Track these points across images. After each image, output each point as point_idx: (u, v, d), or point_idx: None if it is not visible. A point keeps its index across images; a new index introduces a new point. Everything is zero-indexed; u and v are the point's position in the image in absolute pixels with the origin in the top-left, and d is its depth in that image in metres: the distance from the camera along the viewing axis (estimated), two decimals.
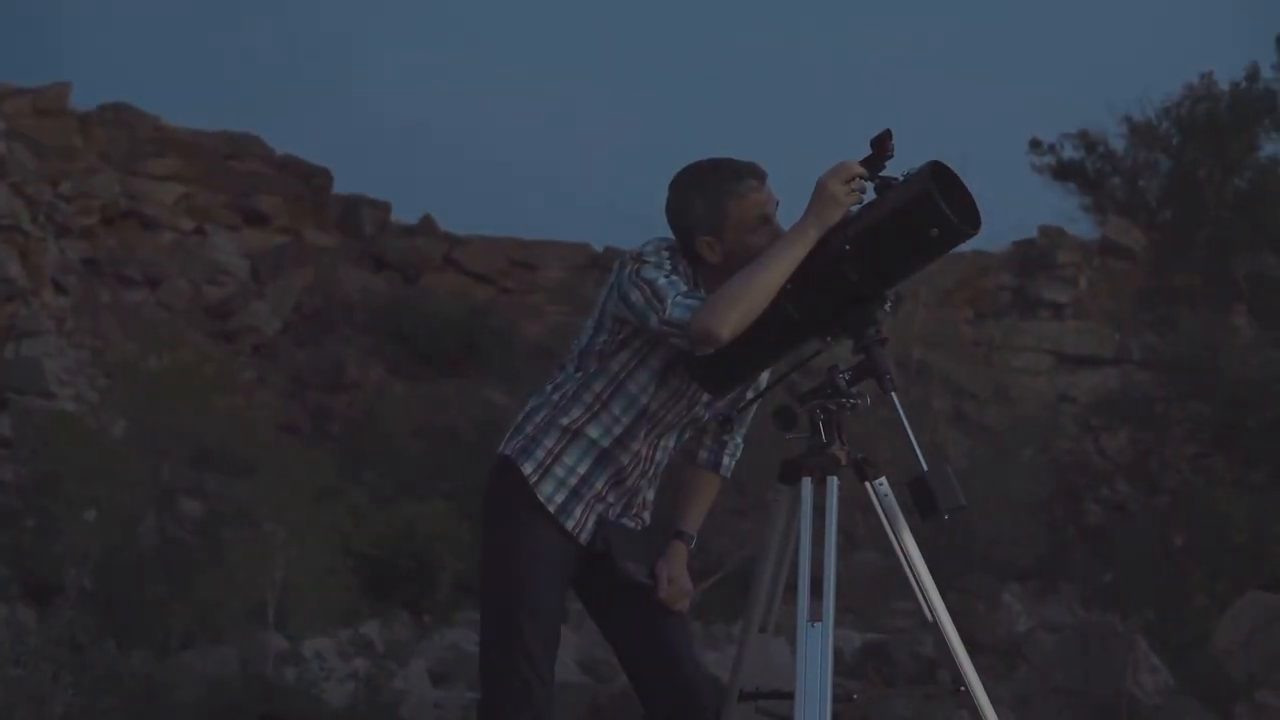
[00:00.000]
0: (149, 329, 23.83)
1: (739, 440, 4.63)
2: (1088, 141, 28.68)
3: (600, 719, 13.16)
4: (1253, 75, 26.12)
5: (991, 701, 11.31)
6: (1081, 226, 29.91)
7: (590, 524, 4.45)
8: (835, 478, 4.13)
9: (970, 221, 4.04)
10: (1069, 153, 28.81)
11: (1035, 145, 28.70)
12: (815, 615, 3.99)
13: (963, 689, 4.15)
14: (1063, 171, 28.80)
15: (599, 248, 28.66)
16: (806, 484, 4.12)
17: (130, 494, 17.76)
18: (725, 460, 4.62)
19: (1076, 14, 64.21)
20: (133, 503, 17.84)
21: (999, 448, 22.87)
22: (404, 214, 29.28)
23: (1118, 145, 28.45)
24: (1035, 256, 29.19)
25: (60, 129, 26.65)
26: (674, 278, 4.28)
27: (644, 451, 4.45)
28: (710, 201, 4.34)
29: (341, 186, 29.02)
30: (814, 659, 3.92)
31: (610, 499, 4.47)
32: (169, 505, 18.91)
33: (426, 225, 28.98)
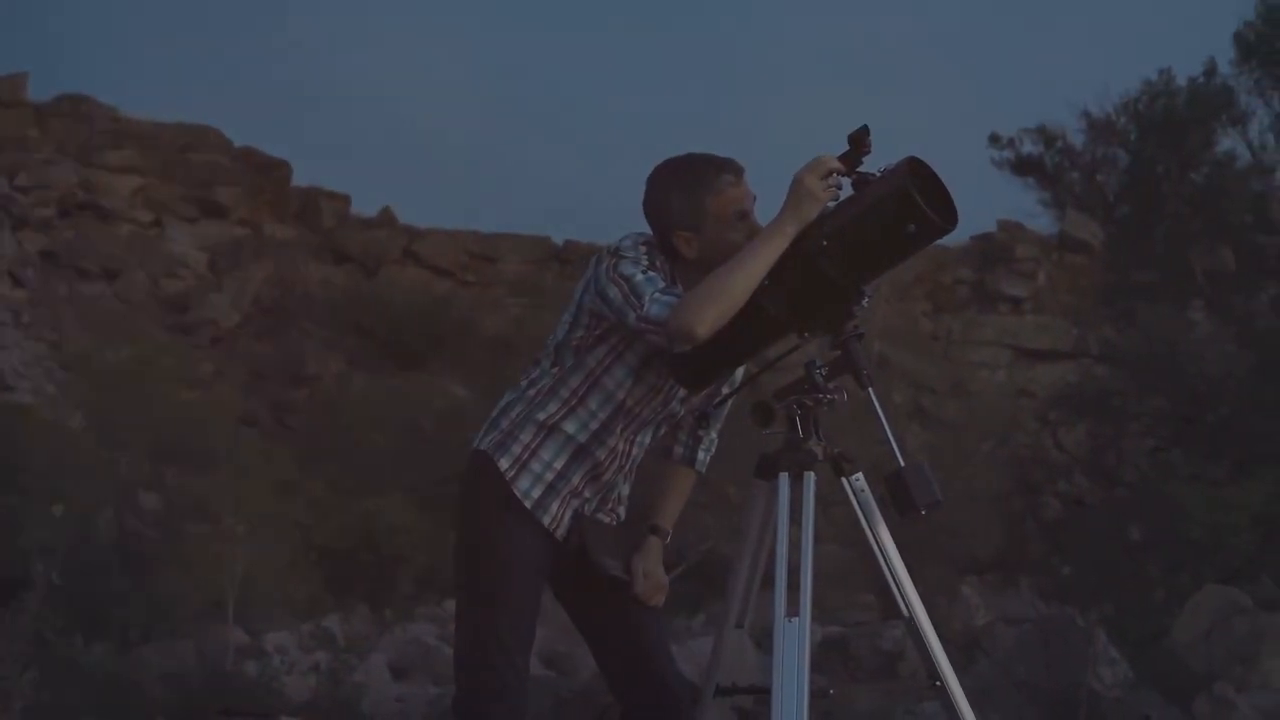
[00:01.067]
0: (106, 322, 23.72)
1: (714, 436, 4.63)
2: (1046, 136, 28.76)
3: (563, 713, 13.14)
4: (1211, 71, 26.20)
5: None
6: (1040, 221, 30.05)
7: (567, 519, 4.44)
8: (812, 473, 4.12)
9: (947, 217, 4.03)
10: (1028, 147, 28.89)
11: (994, 140, 28.77)
12: (792, 610, 3.98)
13: (938, 683, 4.15)
14: (1022, 166, 28.87)
15: (559, 241, 28.67)
16: (783, 479, 4.12)
17: (89, 487, 17.67)
18: (700, 455, 4.62)
19: (1036, 9, 64.44)
20: (91, 496, 17.74)
21: (957, 441, 22.95)
22: (363, 206, 29.25)
23: (1076, 140, 28.56)
24: (994, 251, 29.31)
25: (16, 120, 26.51)
26: (651, 274, 4.26)
27: (620, 447, 4.44)
28: (688, 197, 4.32)
29: (301, 179, 28.96)
30: (791, 654, 3.91)
31: (586, 494, 4.46)
32: (128, 499, 18.81)
33: (386, 218, 28.92)
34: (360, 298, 26.37)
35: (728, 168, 4.36)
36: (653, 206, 4.39)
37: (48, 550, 12.93)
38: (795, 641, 3.92)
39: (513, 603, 4.37)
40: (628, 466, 4.50)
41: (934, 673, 4.14)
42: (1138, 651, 14.15)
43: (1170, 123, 26.29)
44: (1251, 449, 20.77)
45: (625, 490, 4.56)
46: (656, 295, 4.21)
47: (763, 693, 3.98)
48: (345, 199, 28.89)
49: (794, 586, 4.05)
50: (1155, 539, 19.07)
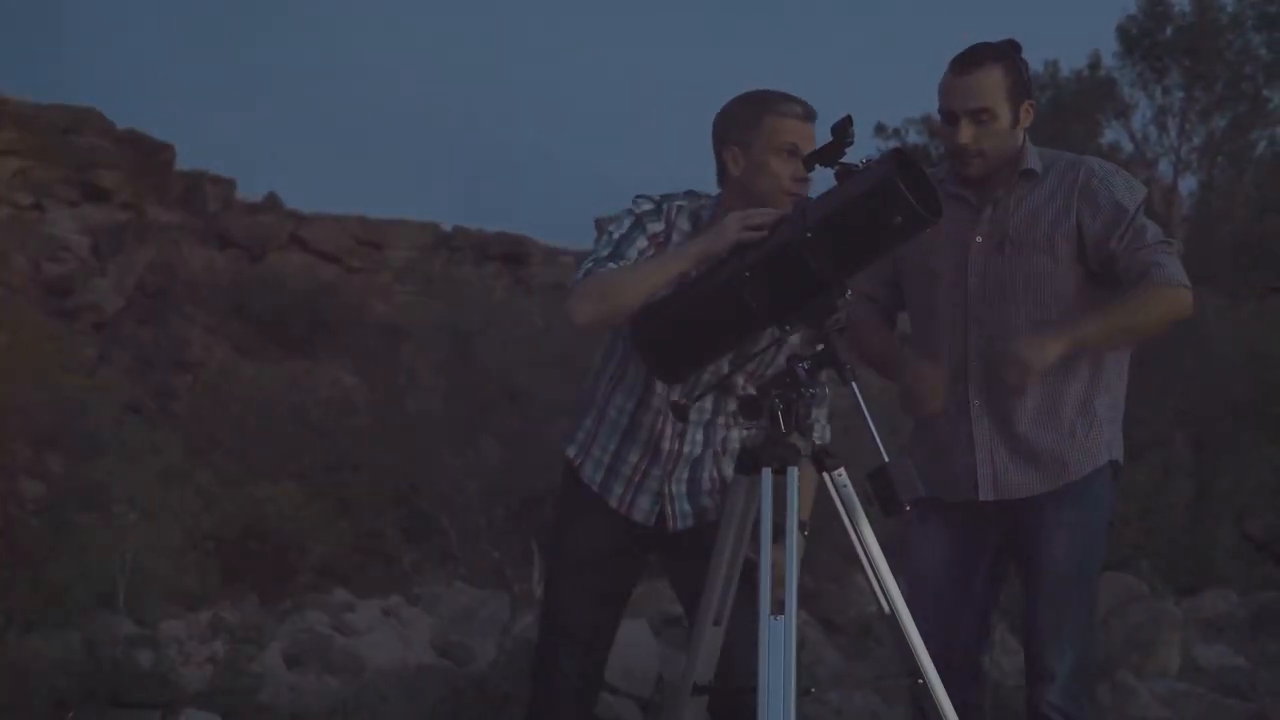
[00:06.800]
0: None
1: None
2: (931, 126, 28.97)
3: (460, 701, 13.04)
4: (1095, 64, 26.60)
5: (851, 683, 11.19)
6: None
7: (644, 504, 4.47)
8: (795, 468, 4.06)
9: (931, 209, 4.00)
10: (913, 137, 29.11)
11: (880, 129, 28.98)
12: (777, 608, 3.93)
13: (920, 680, 4.12)
14: None
15: (448, 227, 28.57)
16: (766, 474, 4.05)
17: None
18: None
19: None
20: None
21: (847, 428, 23.05)
22: (248, 191, 29.03)
23: None
24: None
25: None
26: (626, 234, 4.29)
27: (659, 425, 4.46)
28: (751, 111, 4.35)
29: (185, 162, 28.69)
30: (777, 653, 3.86)
31: (655, 473, 4.47)
32: (9, 487, 18.51)
33: (271, 203, 28.68)
34: (246, 283, 26.12)
35: (800, 103, 4.38)
36: (719, 117, 4.41)
37: None
38: (781, 640, 3.87)
39: (564, 590, 4.51)
40: (698, 443, 4.48)
41: (915, 670, 4.12)
42: None
43: (1055, 114, 26.59)
44: (1134, 437, 21.04)
45: (721, 469, 4.52)
46: (593, 262, 4.24)
47: (747, 692, 3.93)
48: (230, 183, 28.64)
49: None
50: None
